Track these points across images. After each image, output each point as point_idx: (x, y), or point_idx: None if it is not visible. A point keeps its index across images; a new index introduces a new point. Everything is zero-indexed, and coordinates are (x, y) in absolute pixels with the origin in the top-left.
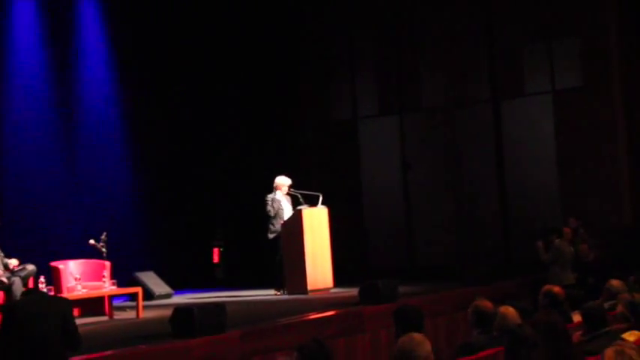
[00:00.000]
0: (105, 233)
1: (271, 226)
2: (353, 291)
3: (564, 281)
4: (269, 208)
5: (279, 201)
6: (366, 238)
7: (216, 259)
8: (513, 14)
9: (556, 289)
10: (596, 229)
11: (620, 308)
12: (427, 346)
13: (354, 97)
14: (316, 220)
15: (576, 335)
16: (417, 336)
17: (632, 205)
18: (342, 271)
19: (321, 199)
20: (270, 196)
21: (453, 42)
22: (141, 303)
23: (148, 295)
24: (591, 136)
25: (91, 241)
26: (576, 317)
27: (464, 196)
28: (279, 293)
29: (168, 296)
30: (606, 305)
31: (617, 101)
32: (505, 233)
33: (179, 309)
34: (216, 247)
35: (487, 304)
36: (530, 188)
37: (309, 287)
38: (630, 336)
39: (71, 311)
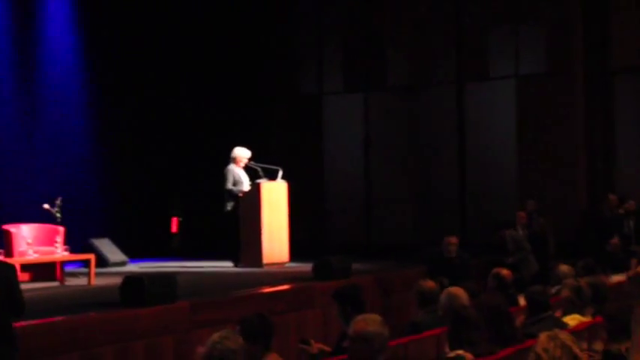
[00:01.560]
0: (60, 198)
1: (229, 198)
2: (308, 266)
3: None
4: (228, 180)
5: (238, 173)
6: (326, 214)
7: (174, 228)
8: None
9: (504, 271)
10: (552, 213)
11: (565, 293)
12: (383, 328)
13: (320, 74)
14: (275, 195)
15: (520, 318)
16: (374, 316)
17: (588, 191)
18: (299, 247)
19: (280, 173)
20: (229, 168)
21: (420, 22)
22: (93, 270)
23: (103, 262)
24: (551, 121)
25: (45, 206)
26: (522, 300)
27: (424, 176)
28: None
29: (122, 264)
30: (554, 290)
31: (578, 88)
32: (463, 214)
33: (129, 277)
34: (175, 216)
35: (430, 284)
36: (490, 171)
37: (265, 261)
38: (572, 320)
39: (16, 277)
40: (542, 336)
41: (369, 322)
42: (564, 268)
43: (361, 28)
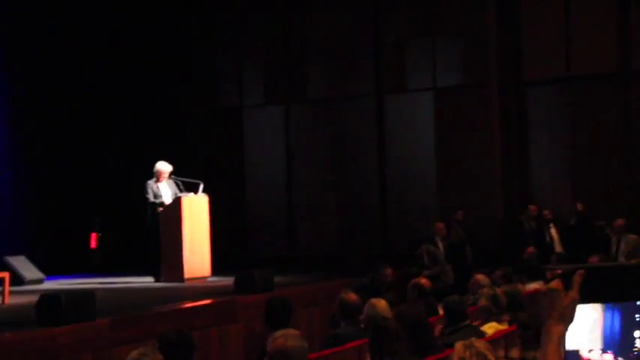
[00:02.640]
0: None
1: (150, 213)
2: (230, 280)
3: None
4: (148, 194)
5: (159, 187)
6: (248, 227)
7: (93, 244)
8: (398, 10)
9: (423, 281)
10: (471, 223)
11: (482, 302)
12: (302, 342)
13: (240, 86)
14: (196, 208)
15: (438, 328)
16: (292, 332)
17: (505, 201)
18: (221, 260)
19: (201, 187)
20: (150, 182)
21: (339, 35)
22: (7, 288)
23: (18, 280)
24: (468, 132)
25: None
26: (441, 310)
27: (346, 188)
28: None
29: (39, 282)
30: (471, 299)
31: (493, 100)
32: (384, 225)
33: (45, 295)
34: (94, 232)
35: (352, 297)
36: (410, 182)
37: (186, 275)
38: (489, 328)
39: None
40: (458, 345)
41: (288, 337)
42: (481, 277)
43: (281, 40)
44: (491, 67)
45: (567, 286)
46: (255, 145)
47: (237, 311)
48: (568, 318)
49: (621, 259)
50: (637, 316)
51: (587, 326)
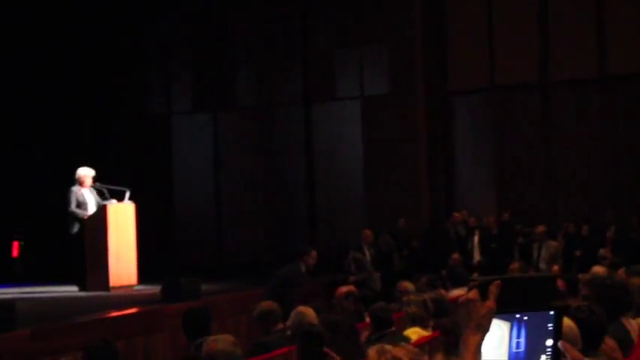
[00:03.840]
0: None
1: (73, 221)
2: (157, 289)
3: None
4: (71, 203)
5: (82, 194)
6: (176, 235)
7: (15, 253)
8: (327, 20)
9: (350, 288)
10: (398, 230)
11: (411, 308)
12: (234, 348)
13: (168, 93)
14: (122, 216)
15: (365, 334)
16: (227, 337)
17: (431, 208)
18: (148, 269)
19: (128, 194)
20: (74, 189)
21: (267, 43)
22: None
23: None
24: (395, 141)
25: None
26: (367, 317)
27: (274, 196)
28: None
29: None
30: (397, 305)
31: (419, 109)
32: (312, 233)
33: None
34: (15, 240)
35: (270, 305)
36: (338, 189)
37: (112, 284)
38: (414, 334)
39: None
40: (371, 351)
41: (220, 341)
42: (406, 284)
43: (210, 48)
44: (417, 77)
45: (484, 296)
46: (183, 152)
47: (163, 320)
48: (485, 328)
49: (542, 265)
50: (549, 325)
51: (494, 341)
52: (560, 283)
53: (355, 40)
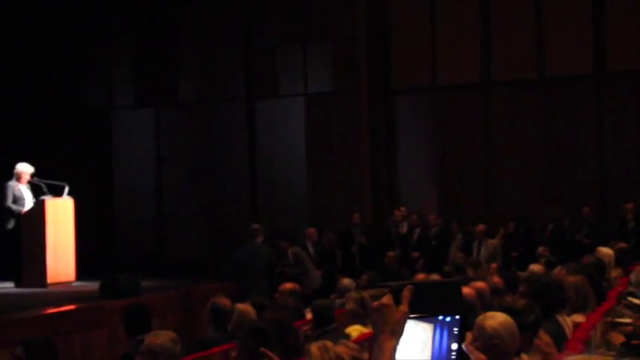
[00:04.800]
0: None
1: (9, 216)
2: (95, 285)
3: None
4: (8, 197)
5: (19, 190)
6: (116, 231)
7: None
8: (270, 17)
9: (291, 285)
10: (341, 227)
11: (349, 305)
12: (173, 344)
13: (110, 87)
14: (60, 212)
15: (305, 330)
16: (168, 333)
17: (373, 205)
18: (88, 265)
19: (66, 189)
20: (10, 184)
21: (210, 39)
22: None
23: None
24: (339, 138)
25: None
26: (309, 314)
27: (216, 192)
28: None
29: None
30: (338, 303)
31: (363, 107)
32: None
33: None
34: None
35: (225, 302)
36: (281, 187)
37: (49, 280)
38: (354, 331)
39: None
40: (313, 348)
41: (160, 336)
42: (346, 281)
43: (152, 42)
44: (361, 76)
45: (397, 301)
46: (124, 147)
47: (101, 317)
48: (399, 332)
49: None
50: (455, 329)
51: (418, 345)
52: (498, 280)
53: (299, 37)
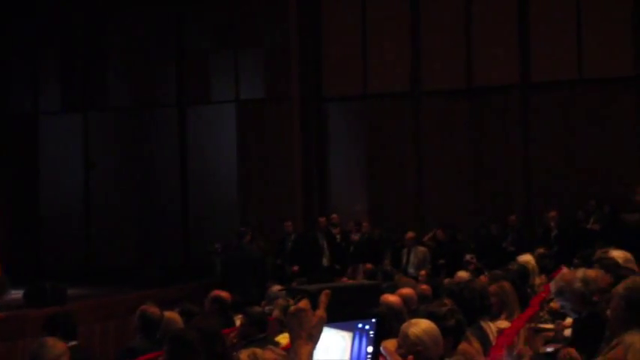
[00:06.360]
0: None
1: None
2: (20, 293)
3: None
4: None
5: None
6: (42, 237)
7: None
8: (201, 21)
9: (223, 294)
10: (272, 234)
11: (276, 313)
12: (56, 350)
13: (36, 92)
14: None
15: (233, 339)
16: (49, 340)
17: (304, 213)
18: (13, 272)
19: None
20: None
21: (141, 43)
22: None
23: None
24: (270, 145)
25: None
26: (239, 321)
27: (146, 198)
28: None
29: None
30: (267, 309)
31: (294, 113)
32: (185, 236)
33: None
34: None
35: (154, 310)
36: (212, 193)
37: None
38: (283, 339)
39: None
40: (242, 356)
41: (44, 345)
42: (276, 289)
43: (80, 46)
44: (292, 82)
45: (314, 305)
46: (51, 153)
47: (26, 326)
48: (316, 337)
49: (411, 270)
50: (372, 332)
51: (337, 352)
52: (425, 287)
53: (230, 42)
